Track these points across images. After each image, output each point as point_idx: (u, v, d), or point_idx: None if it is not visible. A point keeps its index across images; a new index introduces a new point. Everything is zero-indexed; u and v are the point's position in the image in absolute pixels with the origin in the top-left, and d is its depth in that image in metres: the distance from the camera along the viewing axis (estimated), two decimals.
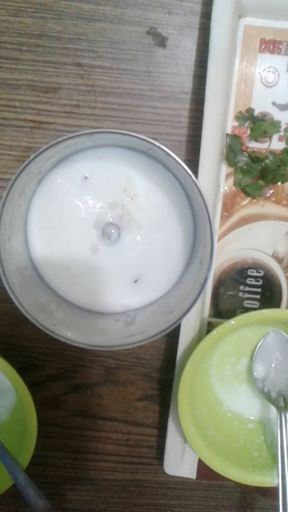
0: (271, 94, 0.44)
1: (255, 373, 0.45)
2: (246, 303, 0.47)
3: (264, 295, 0.46)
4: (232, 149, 0.43)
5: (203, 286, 0.37)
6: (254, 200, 0.45)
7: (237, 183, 0.44)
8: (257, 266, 0.46)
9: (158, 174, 0.42)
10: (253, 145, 0.44)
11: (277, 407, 0.43)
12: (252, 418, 0.47)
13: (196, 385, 0.43)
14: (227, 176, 0.45)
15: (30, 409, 0.41)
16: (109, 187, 0.42)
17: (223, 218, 0.45)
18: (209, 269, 0.37)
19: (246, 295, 0.47)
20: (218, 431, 0.45)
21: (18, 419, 0.43)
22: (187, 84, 0.45)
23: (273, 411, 0.46)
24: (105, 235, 0.43)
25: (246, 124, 0.44)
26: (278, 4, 0.41)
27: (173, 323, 0.38)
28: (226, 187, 0.45)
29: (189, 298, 0.39)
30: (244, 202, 0.45)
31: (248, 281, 0.46)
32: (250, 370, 0.45)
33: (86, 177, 0.42)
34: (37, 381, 0.49)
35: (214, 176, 0.43)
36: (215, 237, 0.45)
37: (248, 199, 0.45)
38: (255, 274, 0.46)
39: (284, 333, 0.44)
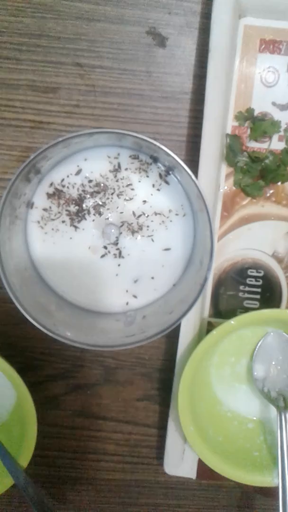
0: (271, 94, 0.44)
1: (255, 373, 0.45)
2: (246, 303, 0.47)
3: (264, 295, 0.46)
4: (232, 149, 0.43)
5: (203, 286, 0.37)
6: (254, 200, 0.45)
7: (237, 183, 0.44)
8: (257, 266, 0.46)
9: (158, 174, 0.42)
10: (253, 145, 0.44)
11: (277, 407, 0.43)
12: (252, 418, 0.47)
13: (196, 385, 0.43)
14: (227, 176, 0.45)
15: (30, 409, 0.41)
16: (109, 187, 0.42)
17: (223, 218, 0.45)
18: (209, 269, 0.37)
19: (246, 295, 0.46)
20: (218, 431, 0.45)
21: (18, 419, 0.43)
22: (187, 84, 0.45)
23: (273, 411, 0.46)
24: (105, 235, 0.43)
25: (246, 124, 0.44)
26: (278, 4, 0.41)
27: (173, 323, 0.38)
28: (226, 187, 0.45)
29: (189, 298, 0.39)
30: (244, 202, 0.45)
31: (248, 281, 0.46)
32: (250, 370, 0.45)
33: (86, 177, 0.42)
34: (37, 381, 0.49)
35: (214, 176, 0.43)
36: (215, 237, 0.45)
37: (248, 199, 0.45)
38: (255, 274, 0.46)
39: (284, 333, 0.44)
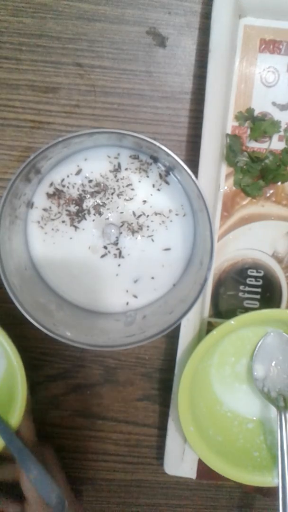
0: (271, 94, 0.44)
1: (255, 373, 0.45)
2: (246, 303, 0.47)
3: (264, 295, 0.46)
4: (232, 149, 0.43)
5: (203, 286, 0.37)
6: (254, 200, 0.45)
7: (237, 183, 0.44)
8: (257, 266, 0.46)
9: (158, 174, 0.42)
10: (253, 145, 0.44)
11: (277, 407, 0.43)
12: (252, 418, 0.47)
13: (196, 385, 0.43)
14: (227, 176, 0.45)
15: (20, 372, 0.40)
16: (109, 187, 0.42)
17: (223, 218, 0.45)
18: (209, 269, 0.37)
19: (246, 295, 0.46)
20: (218, 431, 0.45)
21: (9, 386, 0.42)
22: (187, 84, 0.45)
23: (273, 411, 0.46)
24: (105, 235, 0.43)
25: (246, 124, 0.44)
26: (278, 4, 0.41)
27: (173, 323, 0.38)
28: (226, 187, 0.45)
29: (189, 298, 0.39)
30: (244, 202, 0.45)
31: (248, 281, 0.46)
32: (250, 370, 0.45)
33: (86, 177, 0.42)
34: (37, 381, 0.49)
35: (214, 176, 0.43)
36: (215, 237, 0.45)
37: (248, 199, 0.45)
38: (255, 274, 0.46)
39: (284, 333, 0.44)
